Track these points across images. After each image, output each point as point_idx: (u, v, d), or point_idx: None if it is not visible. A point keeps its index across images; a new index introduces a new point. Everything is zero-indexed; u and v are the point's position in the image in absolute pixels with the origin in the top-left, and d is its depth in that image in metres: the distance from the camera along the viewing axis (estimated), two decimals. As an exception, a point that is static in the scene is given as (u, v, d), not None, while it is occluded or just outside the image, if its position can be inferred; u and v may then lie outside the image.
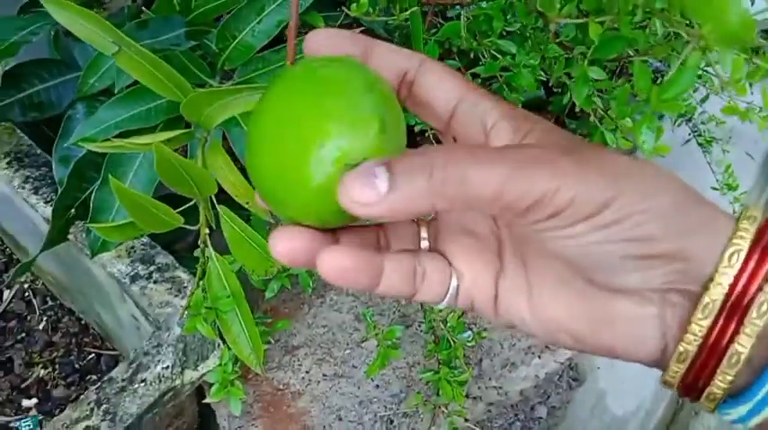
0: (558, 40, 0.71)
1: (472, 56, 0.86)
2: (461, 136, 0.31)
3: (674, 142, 1.30)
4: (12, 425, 0.99)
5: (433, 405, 0.68)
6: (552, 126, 0.29)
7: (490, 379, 0.81)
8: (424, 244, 0.32)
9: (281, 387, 0.78)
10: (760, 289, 0.24)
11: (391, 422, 0.76)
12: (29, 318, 1.10)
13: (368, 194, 0.25)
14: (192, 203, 0.54)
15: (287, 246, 0.28)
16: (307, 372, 0.78)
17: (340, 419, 0.76)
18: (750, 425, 0.26)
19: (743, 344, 0.25)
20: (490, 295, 0.31)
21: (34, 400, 1.03)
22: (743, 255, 0.25)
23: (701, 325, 0.25)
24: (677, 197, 0.26)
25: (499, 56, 0.83)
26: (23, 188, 0.82)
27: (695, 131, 1.18)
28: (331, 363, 0.78)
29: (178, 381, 0.67)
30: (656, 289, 0.26)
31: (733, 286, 0.25)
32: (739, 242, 0.25)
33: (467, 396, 0.79)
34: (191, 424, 0.84)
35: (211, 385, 0.69)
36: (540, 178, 0.25)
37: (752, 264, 0.25)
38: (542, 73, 0.83)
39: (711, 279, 0.25)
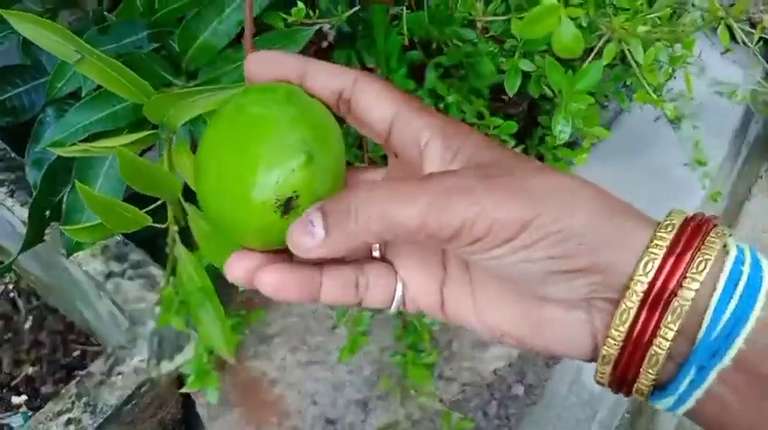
0: (488, 35, 0.74)
1: (435, 45, 0.88)
2: (400, 152, 0.32)
3: (645, 120, 1.32)
4: (2, 421, 1.01)
5: (402, 387, 0.70)
6: (483, 140, 0.30)
7: (462, 359, 0.84)
8: (376, 253, 0.34)
9: (257, 375, 0.80)
10: (674, 294, 0.26)
11: (366, 405, 0.79)
12: (15, 318, 1.12)
13: (308, 241, 0.28)
14: (163, 201, 0.56)
15: (242, 269, 0.30)
16: (282, 360, 0.81)
17: (315, 403, 0.78)
18: (678, 412, 0.28)
19: (660, 347, 0.26)
20: (436, 301, 0.33)
21: (23, 397, 1.05)
22: (657, 263, 0.26)
23: (619, 330, 0.27)
24: (593, 213, 0.27)
25: (461, 44, 0.85)
26: None
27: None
28: (305, 351, 0.80)
29: (155, 373, 0.70)
30: (582, 298, 0.28)
31: (647, 293, 0.26)
32: (654, 251, 0.26)
33: (439, 377, 0.81)
34: (174, 414, 0.86)
35: (188, 376, 0.72)
36: (458, 210, 0.26)
37: (665, 272, 0.26)
38: (503, 60, 0.84)
39: (627, 287, 0.27)
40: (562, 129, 0.53)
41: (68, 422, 0.66)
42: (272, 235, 0.30)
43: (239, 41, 0.67)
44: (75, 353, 1.09)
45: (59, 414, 0.67)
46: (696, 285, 0.26)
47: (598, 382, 0.30)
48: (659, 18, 0.57)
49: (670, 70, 0.61)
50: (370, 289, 0.33)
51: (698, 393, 0.27)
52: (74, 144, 0.65)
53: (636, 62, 0.51)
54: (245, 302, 0.83)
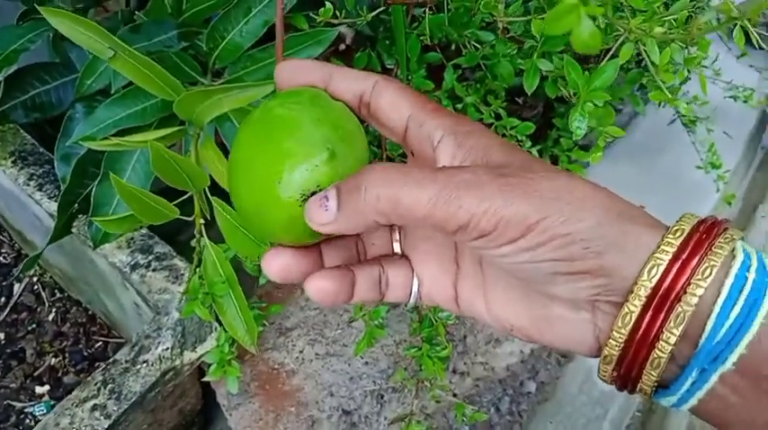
0: (508, 36, 0.75)
1: (453, 47, 0.89)
2: (416, 151, 0.33)
3: (659, 123, 1.33)
4: (26, 410, 1.04)
5: (417, 380, 0.72)
6: (495, 140, 0.31)
7: (475, 355, 0.85)
8: (396, 247, 0.36)
9: (275, 366, 0.82)
10: (677, 299, 0.26)
11: (381, 397, 0.81)
12: (39, 309, 1.15)
13: (323, 216, 0.30)
14: (188, 196, 0.58)
15: (277, 265, 0.33)
16: (300, 352, 0.82)
17: (332, 395, 0.80)
18: (681, 409, 0.29)
19: (662, 350, 0.27)
20: (450, 296, 0.35)
21: (46, 387, 1.07)
22: (662, 268, 0.27)
23: (621, 332, 0.28)
24: (601, 218, 0.28)
25: (479, 46, 0.86)
26: (28, 185, 0.85)
27: (679, 112, 1.20)
28: (323, 343, 0.82)
29: (178, 362, 0.72)
30: (586, 299, 0.29)
31: (651, 297, 0.27)
32: (660, 256, 0.27)
33: (453, 371, 0.83)
34: (194, 404, 0.88)
35: (210, 365, 0.74)
36: (467, 203, 0.27)
37: (670, 277, 0.27)
38: (521, 62, 0.86)
39: (631, 291, 0.27)
40: (579, 125, 0.55)
41: (94, 408, 0.68)
42: (299, 228, 0.31)
43: (265, 41, 0.69)
44: (98, 345, 1.11)
45: (85, 400, 0.69)
46: (700, 291, 0.26)
47: (601, 379, 0.30)
48: (675, 20, 0.59)
49: (685, 72, 0.62)
50: (390, 285, 0.35)
51: (700, 393, 0.27)
52: (104, 138, 0.68)
53: (651, 62, 0.52)
54: (265, 295, 0.85)
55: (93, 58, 0.69)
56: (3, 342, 1.11)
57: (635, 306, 0.27)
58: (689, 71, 0.62)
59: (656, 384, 0.28)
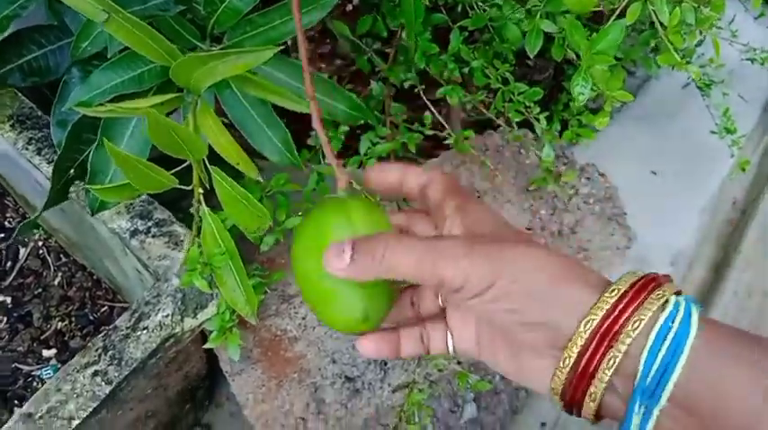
0: None
1: (460, 9, 0.87)
2: (435, 215, 0.43)
3: (673, 86, 1.30)
4: (34, 373, 1.05)
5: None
6: (487, 216, 0.40)
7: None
8: (439, 303, 0.44)
9: (278, 333, 0.81)
10: (610, 346, 0.33)
11: (385, 364, 0.80)
12: (44, 274, 1.15)
13: (338, 263, 0.37)
14: (187, 164, 0.57)
15: (372, 349, 0.43)
16: (303, 319, 0.82)
17: (334, 362, 0.80)
18: None
19: (597, 387, 0.33)
20: (474, 349, 0.42)
21: (53, 351, 1.08)
22: (596, 322, 0.33)
23: (563, 372, 0.34)
24: (546, 278, 0.35)
25: (487, 8, 0.84)
26: (27, 149, 0.84)
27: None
28: (325, 312, 0.81)
29: (178, 328, 0.71)
30: (545, 346, 0.35)
31: (585, 346, 0.33)
32: (595, 313, 0.33)
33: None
34: (199, 368, 0.88)
35: (211, 332, 0.73)
36: (442, 265, 0.35)
37: (602, 329, 0.33)
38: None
39: (570, 339, 0.34)
40: (581, 91, 0.53)
41: (95, 374, 0.68)
42: (354, 331, 0.42)
43: (265, 6, 0.67)
44: (103, 310, 1.12)
45: (86, 366, 0.69)
46: (629, 340, 0.32)
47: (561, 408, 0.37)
48: (686, -22, 0.56)
49: (698, 33, 0.60)
50: (432, 339, 0.43)
51: (649, 427, 0.32)
52: (100, 104, 0.66)
53: (661, 23, 0.50)
54: (267, 262, 0.85)
55: (88, 21, 0.67)
56: (10, 306, 1.11)
57: (572, 352, 0.33)
58: (701, 33, 0.59)
59: (594, 414, 0.35)
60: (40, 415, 0.66)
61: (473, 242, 0.36)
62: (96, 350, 0.70)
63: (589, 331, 0.33)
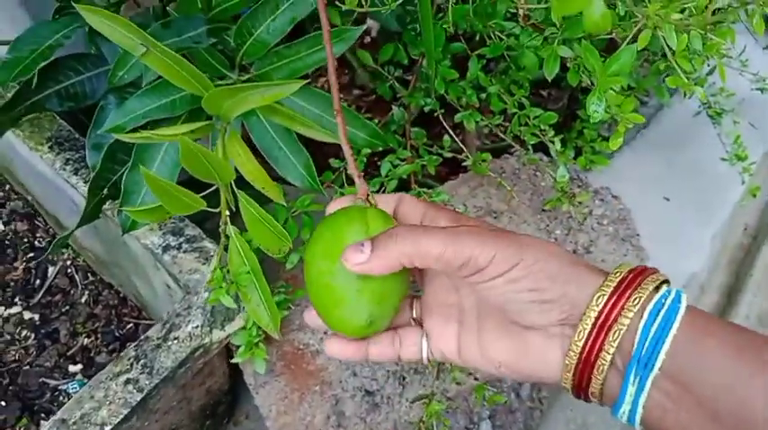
0: (529, 23, 0.76)
1: (478, 38, 0.90)
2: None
3: (684, 115, 1.32)
4: (60, 387, 1.08)
5: (438, 362, 0.74)
6: (483, 229, 0.42)
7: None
8: (414, 313, 0.48)
9: (300, 346, 0.84)
10: (615, 321, 0.36)
11: (403, 378, 0.83)
12: (72, 292, 1.19)
13: (359, 257, 0.39)
14: (215, 187, 0.60)
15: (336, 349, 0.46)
16: (324, 333, 0.84)
17: (355, 375, 0.82)
18: (636, 424, 0.37)
19: (604, 359, 0.37)
20: (453, 348, 0.45)
21: (79, 366, 1.11)
22: (605, 298, 0.37)
23: (577, 345, 0.38)
24: (561, 262, 0.39)
25: (504, 38, 0.87)
26: (64, 170, 0.88)
27: (705, 103, 1.19)
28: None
29: (207, 340, 0.74)
30: (556, 324, 0.39)
31: (597, 318, 0.37)
32: (604, 289, 0.37)
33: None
34: (222, 383, 0.91)
35: (238, 347, 0.76)
36: (468, 244, 0.38)
37: (610, 304, 0.37)
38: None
39: (584, 313, 0.37)
40: (596, 109, 0.56)
41: (127, 382, 0.71)
42: (359, 335, 0.44)
43: (291, 38, 0.70)
44: (129, 327, 1.15)
45: (118, 374, 0.72)
46: (631, 314, 0.36)
47: (563, 387, 0.40)
48: (695, 8, 0.59)
49: (705, 59, 0.63)
50: (403, 346, 0.46)
51: (642, 399, 0.36)
52: (135, 129, 0.70)
53: (669, 48, 0.53)
54: (291, 279, 0.88)
55: (125, 52, 0.71)
56: (38, 322, 1.15)
57: (586, 325, 0.37)
58: (708, 58, 0.62)
59: (601, 389, 0.38)
60: (73, 421, 0.69)
61: (492, 228, 0.41)
62: (128, 359, 0.73)
63: (600, 305, 0.37)
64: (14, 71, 0.75)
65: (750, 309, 1.16)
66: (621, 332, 0.36)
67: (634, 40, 0.56)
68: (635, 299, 0.37)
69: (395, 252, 0.39)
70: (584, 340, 0.37)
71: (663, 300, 0.37)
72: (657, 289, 0.38)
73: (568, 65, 0.79)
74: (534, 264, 0.38)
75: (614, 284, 0.37)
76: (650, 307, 0.36)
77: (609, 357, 0.37)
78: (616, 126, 0.89)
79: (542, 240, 0.40)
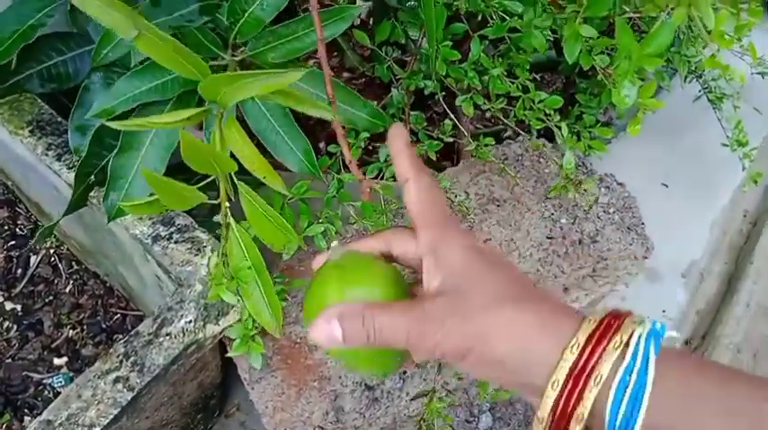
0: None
1: (480, 18, 0.87)
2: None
3: (684, 99, 1.30)
4: (44, 381, 1.04)
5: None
6: (453, 245, 0.40)
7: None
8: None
9: (298, 340, 0.81)
10: (577, 403, 0.34)
11: (404, 372, 0.80)
12: (56, 281, 1.15)
13: (328, 333, 0.38)
14: (212, 178, 0.57)
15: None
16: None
17: (354, 369, 0.80)
18: None
19: (583, 411, 0.34)
20: None
21: (64, 359, 1.07)
22: (561, 383, 0.34)
23: (542, 422, 0.36)
24: (519, 341, 0.36)
25: (507, 17, 0.84)
26: (46, 155, 0.84)
27: (705, 88, 1.17)
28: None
29: (201, 335, 0.71)
30: (528, 395, 0.37)
31: (554, 408, 0.35)
32: (559, 373, 0.34)
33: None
34: (214, 377, 0.88)
35: (233, 340, 0.73)
36: (428, 338, 0.37)
37: (566, 393, 0.34)
38: (550, 33, 0.83)
39: (541, 397, 0.35)
40: (627, 93, 0.53)
41: (116, 380, 0.68)
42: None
43: (286, 18, 0.67)
44: (116, 318, 1.11)
45: (107, 372, 0.69)
46: (592, 396, 0.33)
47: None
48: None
49: (737, 39, 0.61)
50: None
51: None
52: (124, 113, 0.66)
53: (705, 28, 0.50)
54: (287, 269, 0.84)
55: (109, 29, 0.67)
56: (20, 313, 1.11)
57: (545, 412, 0.35)
58: (739, 39, 0.60)
59: None
60: (59, 422, 0.66)
61: (453, 310, 0.38)
62: (118, 356, 0.69)
63: (556, 392, 0.35)
64: (-5, 53, 0.71)
65: (750, 296, 1.15)
66: (585, 414, 0.34)
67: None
68: (597, 377, 0.34)
69: (362, 334, 0.39)
70: (544, 424, 0.36)
71: (627, 376, 0.33)
72: (624, 351, 0.34)
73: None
74: (485, 353, 0.37)
75: (570, 363, 0.35)
76: (615, 384, 0.33)
77: (586, 411, 0.34)
78: (613, 110, 0.86)
79: (500, 311, 0.37)
